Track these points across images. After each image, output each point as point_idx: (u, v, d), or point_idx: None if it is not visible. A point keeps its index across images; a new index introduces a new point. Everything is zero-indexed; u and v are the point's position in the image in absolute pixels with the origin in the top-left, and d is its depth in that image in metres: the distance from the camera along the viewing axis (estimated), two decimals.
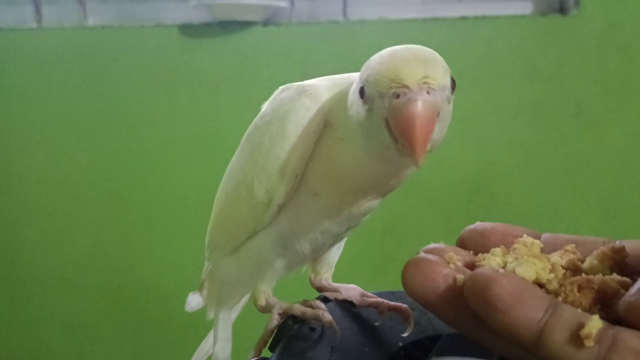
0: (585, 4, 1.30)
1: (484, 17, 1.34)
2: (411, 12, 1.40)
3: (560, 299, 0.29)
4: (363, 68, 0.39)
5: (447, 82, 0.37)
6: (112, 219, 1.50)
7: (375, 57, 0.39)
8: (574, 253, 0.33)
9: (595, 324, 0.25)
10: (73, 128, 1.47)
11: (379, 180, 0.44)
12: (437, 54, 0.38)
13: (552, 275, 0.30)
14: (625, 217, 1.36)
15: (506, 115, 1.36)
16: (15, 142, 1.49)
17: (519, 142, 1.36)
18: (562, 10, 1.34)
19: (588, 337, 0.25)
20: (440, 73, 0.36)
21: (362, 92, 0.38)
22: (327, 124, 0.43)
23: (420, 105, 0.34)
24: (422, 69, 0.35)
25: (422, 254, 0.33)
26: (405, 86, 0.35)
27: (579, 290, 0.29)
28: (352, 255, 1.38)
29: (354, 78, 0.45)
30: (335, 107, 0.43)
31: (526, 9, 1.40)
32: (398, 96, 0.35)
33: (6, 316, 1.58)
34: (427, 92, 0.35)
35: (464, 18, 1.34)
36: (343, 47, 1.38)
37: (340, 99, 0.43)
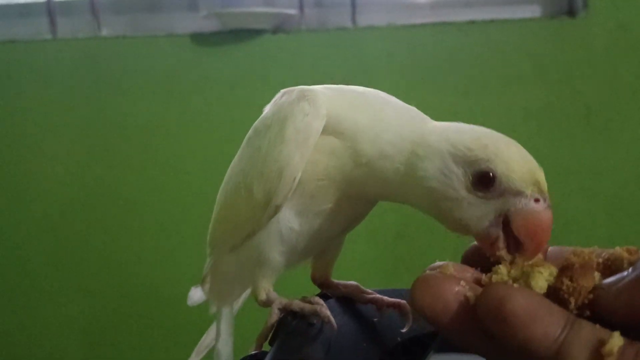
0: (594, 6, 1.30)
1: (492, 21, 1.34)
2: (420, 17, 1.40)
3: (568, 297, 0.29)
4: (481, 150, 0.39)
5: None
6: (126, 226, 1.52)
7: (501, 148, 0.40)
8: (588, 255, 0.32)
9: (616, 341, 0.25)
10: (87, 136, 1.49)
11: (388, 195, 0.45)
12: None
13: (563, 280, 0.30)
14: (635, 219, 1.35)
15: (516, 119, 1.35)
16: (30, 151, 1.51)
17: (529, 145, 1.32)
18: (571, 12, 1.34)
19: (610, 354, 0.24)
20: None
21: (487, 180, 0.38)
22: (331, 132, 0.44)
23: (551, 214, 0.37)
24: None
25: (430, 272, 0.32)
26: (543, 192, 0.37)
27: (571, 280, 0.29)
28: (365, 259, 1.39)
29: (361, 91, 0.46)
30: (354, 127, 0.44)
31: (534, 12, 1.40)
32: (537, 200, 0.37)
33: (24, 322, 1.60)
34: None
35: (472, 22, 1.34)
36: (352, 53, 1.39)
37: (365, 119, 0.44)
